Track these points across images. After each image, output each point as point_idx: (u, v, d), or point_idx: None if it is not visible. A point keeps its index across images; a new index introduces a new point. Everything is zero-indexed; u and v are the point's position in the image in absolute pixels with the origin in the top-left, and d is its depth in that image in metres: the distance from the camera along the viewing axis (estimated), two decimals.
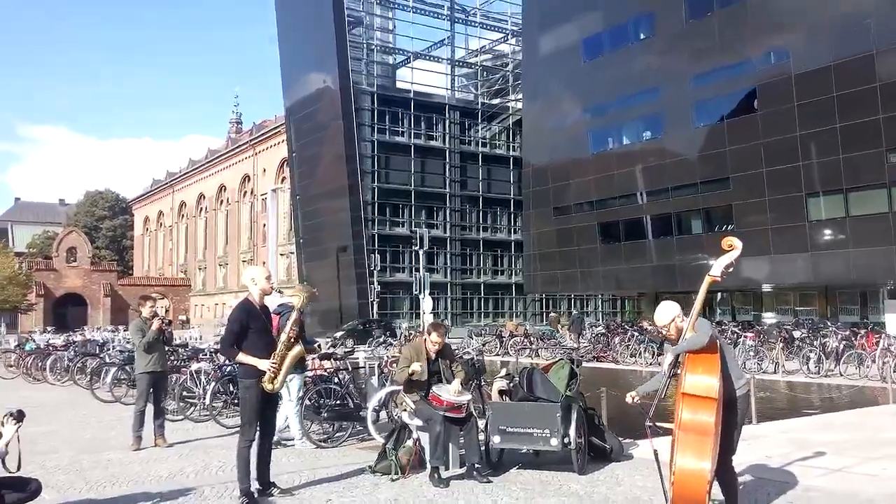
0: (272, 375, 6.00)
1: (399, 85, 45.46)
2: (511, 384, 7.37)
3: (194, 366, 11.48)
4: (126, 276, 75.69)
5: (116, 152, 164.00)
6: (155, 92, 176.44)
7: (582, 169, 32.51)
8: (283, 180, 56.05)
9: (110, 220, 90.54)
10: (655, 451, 5.37)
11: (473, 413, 7.14)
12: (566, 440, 6.86)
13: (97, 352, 16.69)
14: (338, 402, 8.95)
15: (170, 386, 10.35)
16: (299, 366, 8.14)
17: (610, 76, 31.01)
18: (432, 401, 6.93)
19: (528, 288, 41.35)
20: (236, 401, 10.63)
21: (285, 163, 53.98)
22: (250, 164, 64.10)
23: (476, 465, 6.87)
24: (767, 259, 25.74)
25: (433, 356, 7.22)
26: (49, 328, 43.64)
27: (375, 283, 40.38)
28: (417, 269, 39.95)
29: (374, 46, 43.67)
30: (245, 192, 66.26)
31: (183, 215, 79.27)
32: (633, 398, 5.29)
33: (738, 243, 5.48)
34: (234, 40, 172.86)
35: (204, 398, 10.71)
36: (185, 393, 11.19)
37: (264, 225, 61.00)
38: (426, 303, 30.54)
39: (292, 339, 6.29)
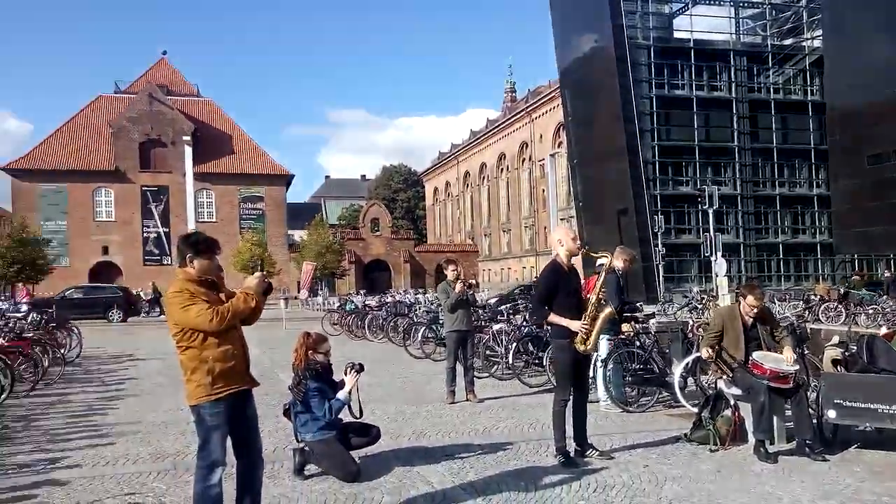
0: (584, 336, 5.99)
1: (677, 35, 42.73)
2: (847, 353, 6.57)
3: (495, 326, 11.97)
4: (421, 243, 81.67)
5: (406, 129, 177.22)
6: (436, 71, 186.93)
7: None
8: (559, 145, 56.27)
9: (404, 192, 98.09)
10: None
11: (801, 384, 6.49)
12: None
13: (406, 312, 18.21)
14: (641, 366, 8.73)
15: (475, 344, 10.88)
16: (611, 328, 8.06)
17: None
18: (753, 369, 6.43)
19: (838, 248, 36.87)
20: (536, 360, 10.99)
21: (561, 127, 54.01)
22: (527, 130, 65.26)
23: (807, 441, 6.27)
24: None
25: (749, 321, 6.69)
26: (361, 291, 48.63)
27: (660, 246, 38.83)
28: (706, 230, 37.64)
29: None
30: (523, 159, 67.73)
31: (468, 185, 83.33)
32: None
33: None
34: (504, 11, 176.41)
35: (505, 357, 11.15)
36: (488, 352, 11.74)
37: (543, 190, 61.97)
38: (719, 265, 28.62)
39: (602, 301, 6.21)
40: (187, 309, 4.02)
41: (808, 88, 42.70)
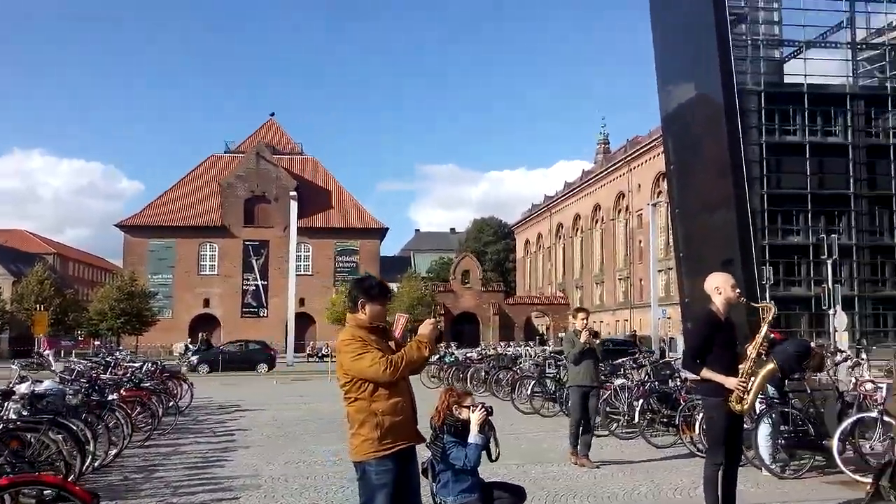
0: (739, 395, 5.37)
1: (788, 80, 41.29)
2: None
3: (617, 381, 11.31)
4: (510, 295, 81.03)
5: (495, 182, 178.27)
6: (526, 125, 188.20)
7: None
8: (658, 194, 54.97)
9: (494, 245, 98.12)
10: None
11: None
12: None
13: (510, 365, 17.66)
14: (795, 427, 7.89)
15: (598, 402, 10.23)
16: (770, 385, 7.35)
17: None
18: None
19: None
20: (664, 419, 10.25)
21: (661, 177, 52.81)
22: (625, 181, 64.24)
23: None
24: None
25: None
26: (453, 343, 48.27)
27: (768, 299, 36.91)
28: (817, 282, 35.38)
29: (759, 42, 40.41)
30: (620, 210, 66.54)
31: (560, 236, 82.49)
32: None
33: None
34: (594, 65, 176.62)
35: (630, 414, 10.46)
36: (608, 408, 11.07)
37: (640, 241, 60.48)
38: (839, 319, 26.82)
39: (763, 356, 5.57)
40: (360, 357, 3.81)
41: None
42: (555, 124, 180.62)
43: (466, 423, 5.51)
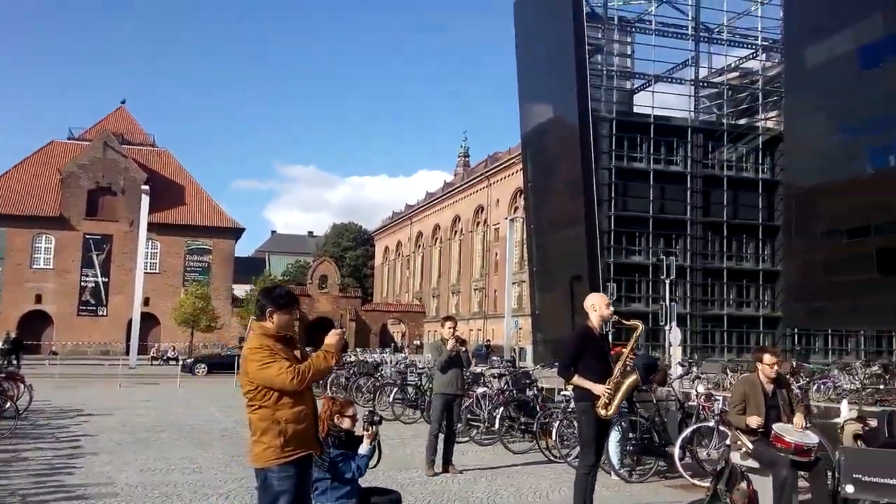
0: (605, 401, 5.83)
1: (637, 110, 44.25)
2: (867, 428, 6.50)
3: (479, 390, 11.69)
4: (367, 302, 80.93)
5: (357, 188, 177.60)
6: (390, 133, 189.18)
7: (858, 189, 29.12)
8: (516, 210, 57.00)
9: (353, 251, 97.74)
10: None
11: (821, 458, 6.37)
12: None
13: (372, 372, 17.72)
14: (641, 435, 8.54)
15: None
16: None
17: (892, 85, 27.70)
18: (776, 442, 6.29)
19: (787, 321, 37.76)
20: (523, 426, 10.72)
21: (519, 193, 54.85)
22: (485, 195, 66.06)
23: None
24: None
25: (770, 389, 6.59)
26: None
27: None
28: (655, 300, 37.97)
29: (613, 72, 43.05)
30: (478, 223, 68.33)
31: (420, 245, 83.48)
32: None
33: None
34: (460, 83, 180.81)
35: (491, 422, 10.86)
36: (469, 416, 11.41)
37: (496, 254, 62.43)
38: (674, 335, 29.00)
39: (628, 367, 6.08)
40: (267, 367, 3.80)
41: (760, 167, 44.40)
42: (417, 134, 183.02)
43: (350, 432, 5.58)
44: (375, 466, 5.64)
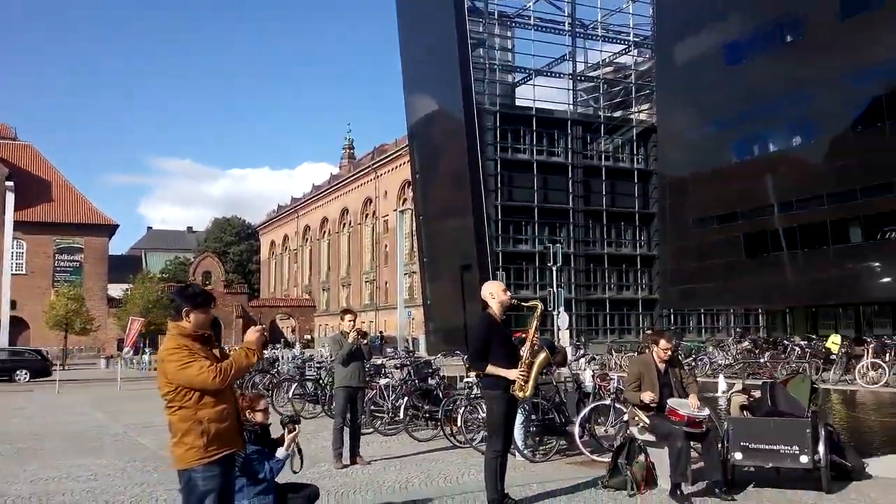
0: (521, 383, 6.03)
1: (520, 103, 45.43)
2: (752, 399, 7.06)
3: (382, 381, 11.76)
4: (254, 298, 78.97)
5: (238, 181, 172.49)
6: (271, 125, 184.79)
7: (725, 179, 31.27)
8: (404, 202, 57.18)
9: (237, 245, 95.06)
10: None
11: (711, 428, 6.87)
12: (816, 457, 6.51)
13: (268, 368, 17.38)
14: (544, 417, 8.88)
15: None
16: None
17: (754, 81, 29.81)
18: (670, 416, 6.73)
19: (663, 303, 40.07)
20: (427, 415, 10.89)
21: (407, 184, 55.03)
22: (372, 187, 65.86)
23: (716, 482, 6.62)
24: None
25: (663, 367, 7.04)
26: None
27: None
28: (542, 287, 39.20)
29: (495, 66, 43.96)
30: (367, 215, 68.07)
31: (307, 238, 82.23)
32: None
33: None
34: (342, 75, 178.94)
35: (395, 413, 10.96)
36: (372, 407, 11.46)
37: (386, 245, 62.46)
38: (562, 319, 30.08)
39: (535, 347, 6.31)
40: (188, 366, 3.73)
41: (634, 157, 46.62)
42: (300, 125, 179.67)
43: (265, 426, 5.52)
44: (299, 472, 5.62)
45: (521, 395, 6.05)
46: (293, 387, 13.95)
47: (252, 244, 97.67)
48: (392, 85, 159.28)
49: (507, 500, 6.23)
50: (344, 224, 73.31)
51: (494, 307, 6.23)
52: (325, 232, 77.78)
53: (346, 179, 72.33)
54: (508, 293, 6.42)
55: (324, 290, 77.36)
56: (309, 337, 71.16)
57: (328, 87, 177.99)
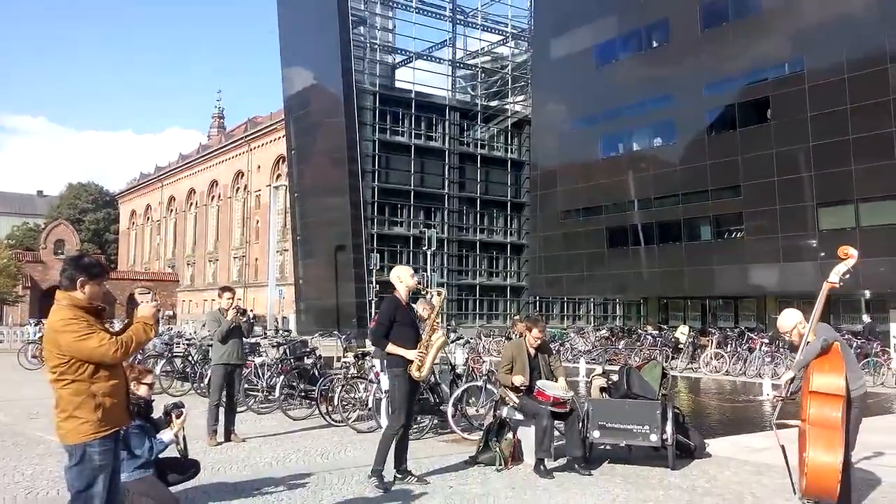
0: (419, 364, 6.36)
1: (399, 85, 45.56)
2: (610, 382, 7.69)
3: (258, 359, 11.71)
4: (111, 269, 74.80)
5: (96, 144, 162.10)
6: (136, 85, 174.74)
7: (592, 173, 32.91)
8: (278, 177, 55.96)
9: (94, 213, 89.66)
10: (783, 447, 5.76)
11: (574, 408, 7.45)
12: (664, 436, 7.21)
13: None
14: (420, 397, 9.21)
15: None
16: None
17: (622, 82, 31.49)
18: (538, 396, 7.25)
19: (532, 290, 41.63)
20: (303, 394, 10.99)
21: (281, 160, 53.88)
22: (244, 160, 63.88)
23: (576, 458, 7.20)
24: (777, 267, 26.44)
25: (533, 352, 7.55)
26: (31, 320, 42.36)
27: (374, 283, 40.48)
28: (416, 270, 39.76)
29: (375, 46, 43.78)
30: (238, 189, 66.01)
31: (172, 210, 78.67)
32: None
33: (853, 252, 5.86)
34: (215, 36, 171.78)
35: (272, 391, 10.98)
36: (247, 385, 11.42)
37: (258, 221, 60.90)
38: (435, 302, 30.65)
39: (435, 328, 6.65)
40: (86, 338, 3.66)
41: (508, 147, 47.98)
42: (167, 88, 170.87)
43: (148, 401, 5.51)
44: (186, 457, 5.65)
45: (417, 375, 6.39)
46: (161, 363, 13.58)
47: (110, 213, 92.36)
48: (268, 55, 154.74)
49: (408, 476, 6.55)
50: (213, 196, 70.70)
51: (401, 290, 6.61)
52: (192, 204, 74.70)
53: (216, 150, 69.69)
54: (416, 278, 6.78)
55: (189, 264, 74.47)
56: (171, 313, 68.36)
57: (199, 50, 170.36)
